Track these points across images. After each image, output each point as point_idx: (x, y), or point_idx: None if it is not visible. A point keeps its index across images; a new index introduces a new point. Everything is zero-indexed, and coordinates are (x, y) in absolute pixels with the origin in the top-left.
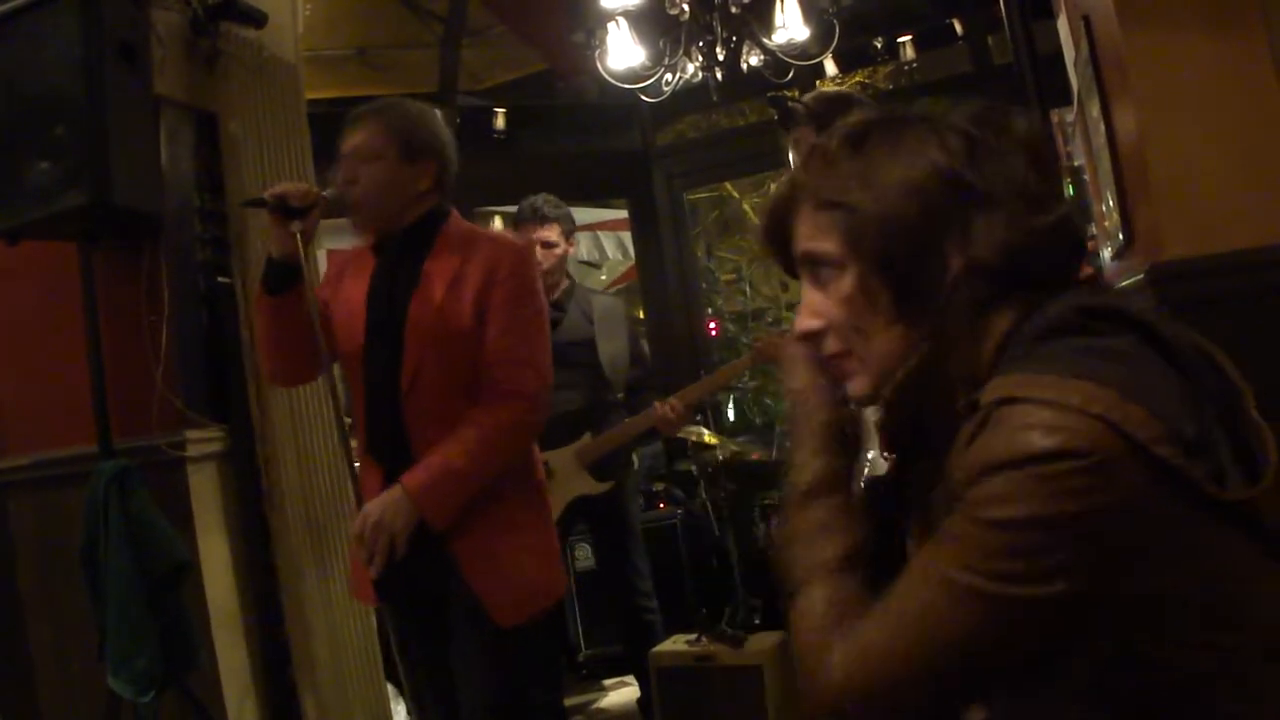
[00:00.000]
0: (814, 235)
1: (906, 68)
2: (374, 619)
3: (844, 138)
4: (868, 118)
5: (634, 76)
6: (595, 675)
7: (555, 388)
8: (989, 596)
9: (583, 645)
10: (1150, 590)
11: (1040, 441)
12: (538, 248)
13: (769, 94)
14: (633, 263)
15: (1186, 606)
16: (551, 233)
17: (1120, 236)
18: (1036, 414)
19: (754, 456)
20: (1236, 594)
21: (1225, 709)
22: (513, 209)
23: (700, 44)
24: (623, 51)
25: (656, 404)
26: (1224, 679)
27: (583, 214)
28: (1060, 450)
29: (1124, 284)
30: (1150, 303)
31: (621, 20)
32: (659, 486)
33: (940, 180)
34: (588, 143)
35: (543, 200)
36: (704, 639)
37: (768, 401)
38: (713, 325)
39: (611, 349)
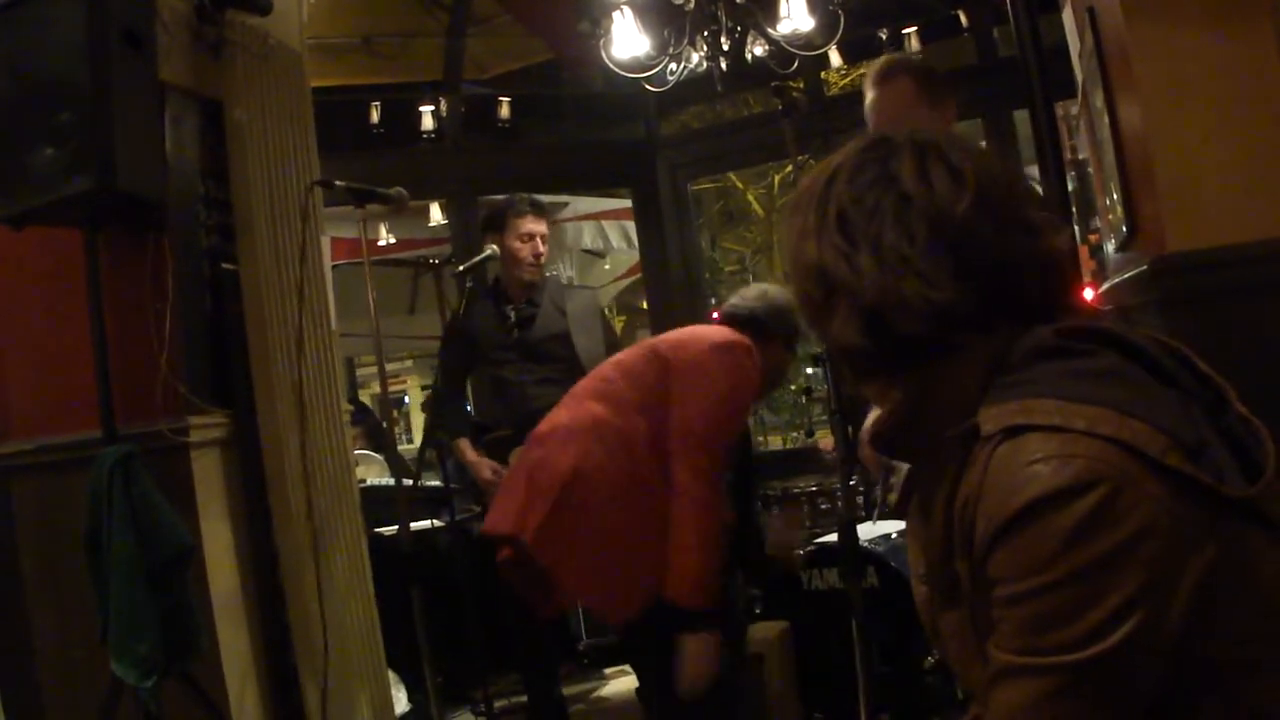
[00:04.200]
0: None
1: None
2: (375, 607)
3: (805, 192)
4: (810, 186)
5: (639, 66)
6: (596, 664)
7: (535, 382)
8: (1073, 669)
9: (583, 634)
10: (1199, 596)
11: (1054, 478)
12: (537, 239)
13: (773, 84)
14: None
15: (1233, 603)
16: (545, 227)
17: (1124, 229)
18: (1044, 444)
19: None
20: (1267, 583)
21: (1260, 697)
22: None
23: (705, 34)
24: (627, 41)
25: None
26: (1265, 667)
27: (587, 203)
28: (1075, 485)
29: (1127, 276)
30: (1154, 295)
31: (626, 9)
32: None
33: (814, 274)
34: (592, 132)
35: (533, 197)
36: None
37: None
38: (716, 316)
39: (587, 341)
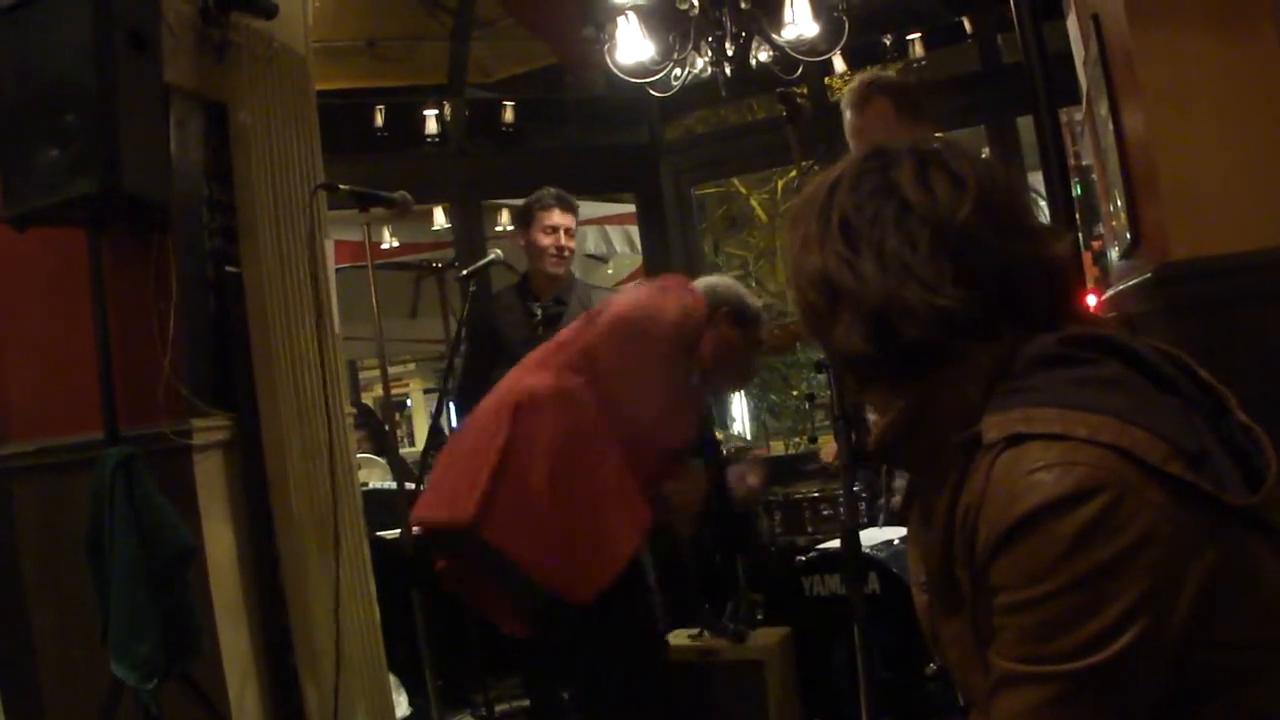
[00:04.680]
0: None
1: (915, 65)
2: (376, 610)
3: (807, 202)
4: (812, 195)
5: (643, 71)
6: None
7: None
8: (1074, 677)
9: None
10: (1201, 603)
11: (1055, 486)
12: (561, 233)
13: (777, 90)
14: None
15: (1235, 609)
16: (573, 220)
17: (1128, 236)
18: (1046, 452)
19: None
20: (1268, 590)
21: (1261, 703)
22: (520, 202)
23: (709, 39)
24: (632, 46)
25: None
26: (1266, 673)
27: (590, 208)
28: (1077, 493)
29: (1130, 283)
30: (1158, 303)
31: (631, 14)
32: None
33: (818, 281)
34: (596, 136)
35: (560, 191)
36: (706, 634)
37: (773, 398)
38: None
39: None
